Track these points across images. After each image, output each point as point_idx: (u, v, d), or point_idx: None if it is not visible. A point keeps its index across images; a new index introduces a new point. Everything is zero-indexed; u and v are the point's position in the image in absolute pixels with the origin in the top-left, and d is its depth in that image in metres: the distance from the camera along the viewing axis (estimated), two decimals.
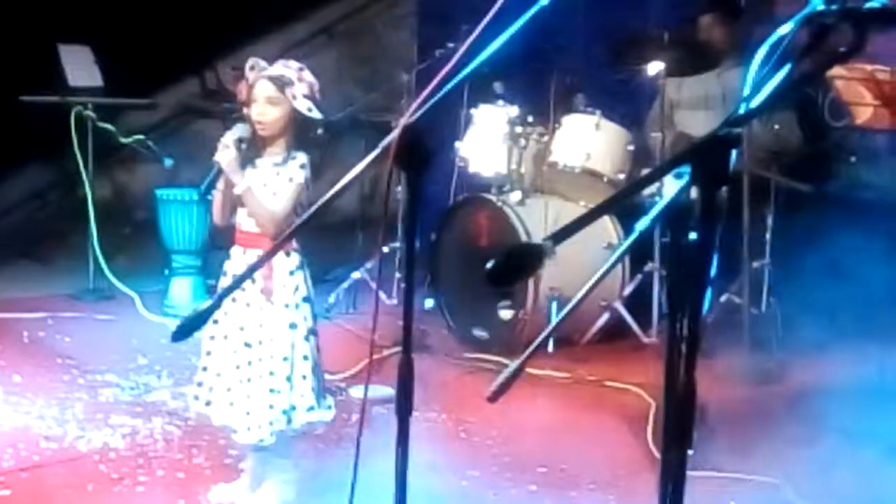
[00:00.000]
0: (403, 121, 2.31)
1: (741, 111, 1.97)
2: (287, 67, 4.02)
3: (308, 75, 4.03)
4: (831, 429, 4.84)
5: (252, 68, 4.02)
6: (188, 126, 8.67)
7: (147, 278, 7.08)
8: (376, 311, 2.64)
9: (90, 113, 6.97)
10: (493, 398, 2.07)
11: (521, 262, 1.86)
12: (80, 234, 7.10)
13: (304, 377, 4.03)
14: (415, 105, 2.34)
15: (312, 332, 4.08)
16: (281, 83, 3.97)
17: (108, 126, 7.08)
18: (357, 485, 3.03)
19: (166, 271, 6.93)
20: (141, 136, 7.28)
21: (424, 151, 2.27)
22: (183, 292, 6.83)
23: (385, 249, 6.50)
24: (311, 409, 4.06)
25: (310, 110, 3.99)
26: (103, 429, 4.86)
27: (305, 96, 3.98)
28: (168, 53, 8.06)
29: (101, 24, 7.56)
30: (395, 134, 2.26)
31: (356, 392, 5.45)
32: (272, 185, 4.01)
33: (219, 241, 4.22)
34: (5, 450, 4.55)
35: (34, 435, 4.75)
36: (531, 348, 2.15)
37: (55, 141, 7.19)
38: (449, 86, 2.38)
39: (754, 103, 1.97)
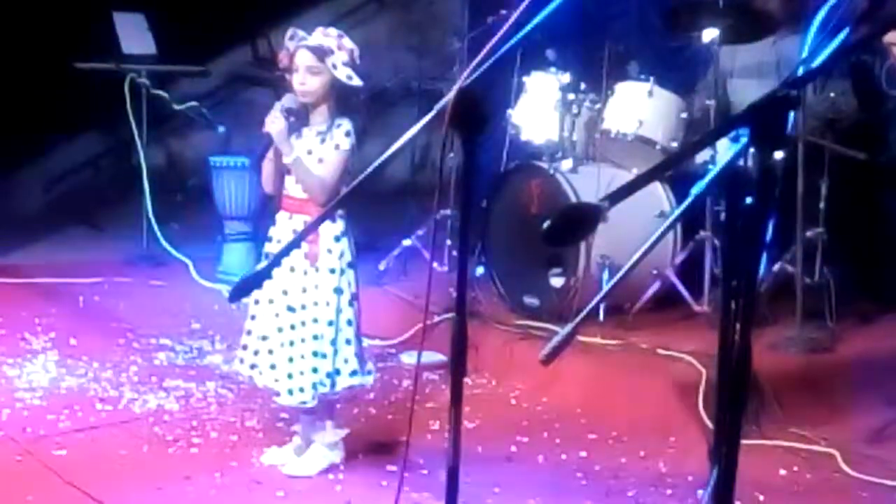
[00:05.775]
0: (459, 84, 2.30)
1: (799, 73, 1.95)
2: (326, 36, 4.01)
3: (348, 42, 4.02)
4: (884, 399, 4.81)
5: (291, 38, 4.01)
6: (240, 94, 8.71)
7: (200, 244, 7.14)
8: (430, 277, 2.64)
9: (144, 80, 7.01)
10: (547, 361, 2.07)
11: (577, 221, 1.85)
12: (134, 201, 7.16)
13: (349, 342, 4.07)
14: (469, 68, 2.33)
15: (356, 297, 4.12)
16: (321, 52, 3.96)
17: (162, 93, 7.12)
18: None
19: (219, 238, 6.98)
20: (194, 104, 7.32)
21: (480, 114, 2.26)
22: (235, 258, 6.88)
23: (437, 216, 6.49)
24: (354, 373, 4.11)
25: (350, 78, 3.99)
26: (158, 392, 4.93)
27: (345, 64, 3.98)
28: (221, 21, 8.09)
29: None
30: (450, 96, 2.26)
31: (407, 358, 5.48)
32: (318, 152, 4.03)
33: (271, 207, 4.25)
34: (62, 411, 4.62)
35: (90, 397, 4.82)
36: (584, 313, 2.15)
37: (109, 108, 7.23)
38: (502, 50, 2.37)
39: (813, 66, 1.95)
